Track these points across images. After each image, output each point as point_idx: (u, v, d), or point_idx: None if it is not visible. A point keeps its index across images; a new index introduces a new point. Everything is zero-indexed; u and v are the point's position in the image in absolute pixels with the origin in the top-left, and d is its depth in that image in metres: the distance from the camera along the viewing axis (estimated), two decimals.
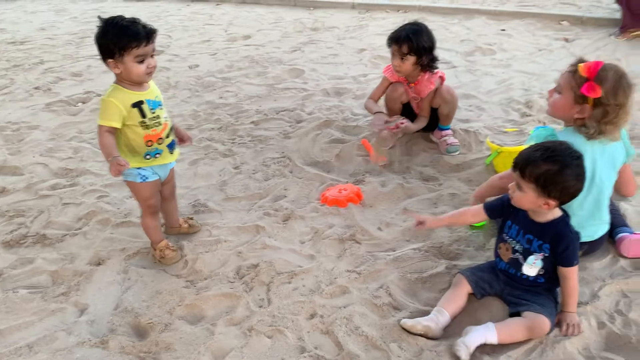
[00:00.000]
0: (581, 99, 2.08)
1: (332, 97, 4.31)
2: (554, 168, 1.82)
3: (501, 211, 2.11)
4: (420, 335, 1.94)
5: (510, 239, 2.05)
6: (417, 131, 3.44)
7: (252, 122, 3.92)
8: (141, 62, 2.13)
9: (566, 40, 5.22)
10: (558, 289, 2.03)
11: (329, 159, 3.31)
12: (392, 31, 3.21)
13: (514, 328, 1.89)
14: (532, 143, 2.12)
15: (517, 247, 2.02)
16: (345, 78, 4.69)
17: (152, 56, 2.17)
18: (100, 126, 2.17)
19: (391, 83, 3.35)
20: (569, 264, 1.93)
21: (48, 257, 2.56)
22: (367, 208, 2.82)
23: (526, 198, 1.90)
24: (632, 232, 2.32)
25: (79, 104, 4.51)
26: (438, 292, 2.17)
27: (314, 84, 4.60)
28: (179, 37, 6.44)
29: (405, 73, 3.22)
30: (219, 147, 3.58)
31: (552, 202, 1.87)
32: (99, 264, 2.51)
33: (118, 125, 2.17)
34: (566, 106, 2.15)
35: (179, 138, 2.49)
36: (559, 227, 1.94)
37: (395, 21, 6.33)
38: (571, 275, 1.94)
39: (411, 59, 3.11)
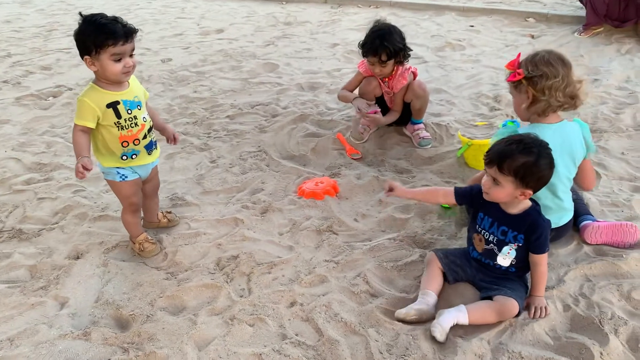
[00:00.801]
0: (520, 88, 2.25)
1: (307, 91, 4.36)
2: (530, 159, 1.92)
3: (470, 200, 2.20)
4: (416, 321, 2.01)
5: (484, 231, 2.14)
6: (390, 125, 3.53)
7: (228, 116, 3.94)
8: (118, 60, 2.10)
9: (532, 36, 5.38)
10: (528, 274, 2.14)
11: (305, 153, 3.37)
12: (364, 41, 3.21)
13: (485, 310, 1.99)
14: (497, 139, 2.24)
15: (491, 238, 2.11)
16: (319, 73, 4.74)
17: (130, 56, 2.15)
18: (75, 124, 2.17)
19: (365, 77, 3.42)
20: (541, 251, 2.03)
21: (25, 251, 2.55)
22: (343, 200, 2.89)
23: (504, 192, 1.98)
24: (594, 220, 2.44)
25: (50, 98, 4.45)
26: (413, 279, 2.26)
27: (289, 79, 4.64)
28: (150, 30, 6.38)
29: (387, 75, 3.30)
30: (194, 141, 3.59)
31: (529, 192, 1.97)
32: (78, 257, 2.51)
33: (92, 125, 2.16)
34: (519, 102, 2.31)
35: (166, 137, 2.50)
36: (533, 216, 2.04)
37: (367, 16, 6.41)
38: (542, 261, 2.05)
39: (391, 62, 3.19)
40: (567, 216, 2.33)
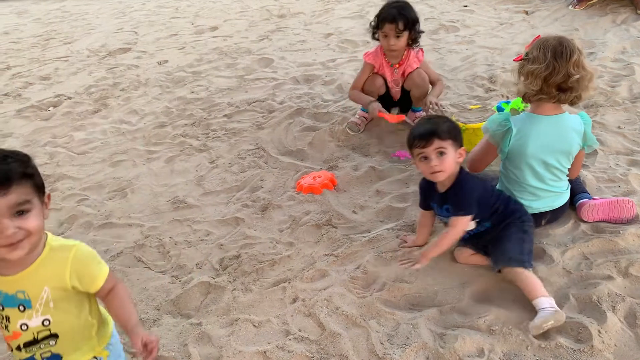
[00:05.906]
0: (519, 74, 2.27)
1: (302, 84, 4.38)
2: (450, 123, 2.15)
3: (426, 200, 2.32)
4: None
5: (441, 217, 2.30)
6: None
7: (225, 115, 3.97)
8: None
9: (526, 13, 5.34)
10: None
11: (302, 147, 3.39)
12: (379, 12, 3.21)
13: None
14: (490, 124, 2.29)
15: (446, 220, 2.25)
16: (314, 64, 4.75)
17: (21, 213, 1.32)
18: None
19: (373, 73, 3.37)
20: (455, 210, 2.13)
21: None
22: (342, 193, 2.92)
23: (450, 158, 2.08)
24: (591, 198, 2.45)
25: (50, 108, 4.51)
26: None
27: (284, 73, 4.65)
28: (146, 32, 6.41)
29: (400, 51, 3.26)
30: (193, 143, 3.63)
31: (463, 149, 2.14)
32: None
33: None
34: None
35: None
36: (458, 179, 2.15)
37: (360, 3, 6.39)
38: (452, 223, 2.15)
39: (406, 35, 3.15)
40: (562, 199, 2.34)
